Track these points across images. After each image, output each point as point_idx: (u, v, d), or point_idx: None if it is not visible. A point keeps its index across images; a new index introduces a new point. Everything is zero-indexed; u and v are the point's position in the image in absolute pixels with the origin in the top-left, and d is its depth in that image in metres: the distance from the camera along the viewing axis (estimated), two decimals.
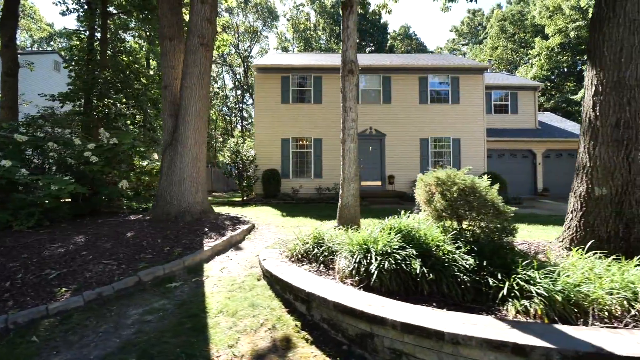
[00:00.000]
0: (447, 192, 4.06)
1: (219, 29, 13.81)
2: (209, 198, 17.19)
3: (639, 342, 2.15)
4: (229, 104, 40.53)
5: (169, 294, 3.96)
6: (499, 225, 4.05)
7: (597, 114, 4.08)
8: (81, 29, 14.95)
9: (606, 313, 2.85)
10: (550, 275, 3.06)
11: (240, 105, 39.03)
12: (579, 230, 4.14)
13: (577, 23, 21.79)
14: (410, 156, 15.42)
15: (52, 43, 33.12)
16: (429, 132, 15.52)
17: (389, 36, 41.55)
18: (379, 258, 3.51)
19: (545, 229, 7.73)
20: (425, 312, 2.70)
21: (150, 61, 20.00)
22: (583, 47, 21.44)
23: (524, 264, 3.26)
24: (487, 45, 34.86)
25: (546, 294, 2.85)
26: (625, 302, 2.91)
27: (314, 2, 34.00)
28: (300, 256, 4.46)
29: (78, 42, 13.68)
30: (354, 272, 3.61)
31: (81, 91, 11.53)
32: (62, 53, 17.74)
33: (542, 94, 28.27)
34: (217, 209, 10.85)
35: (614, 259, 3.63)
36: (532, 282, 3.01)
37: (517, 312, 2.91)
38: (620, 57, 3.92)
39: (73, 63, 12.71)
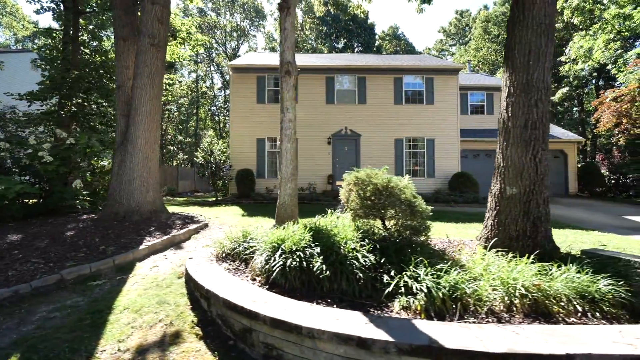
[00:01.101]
0: (361, 192, 4.14)
1: (193, 30, 13.82)
2: (186, 198, 17.21)
3: (478, 336, 2.24)
4: (217, 103, 40.51)
5: (87, 291, 4.01)
6: (414, 224, 4.14)
7: (509, 115, 4.19)
8: (57, 27, 14.91)
9: (485, 308, 2.94)
10: (438, 273, 3.15)
11: (229, 104, 39.01)
12: (493, 228, 4.25)
13: (557, 25, 21.98)
14: (385, 156, 15.53)
15: (36, 41, 32.91)
16: (403, 132, 15.64)
17: (377, 37, 41.73)
18: (283, 256, 3.59)
19: None
20: (301, 308, 2.77)
21: None
22: (563, 48, 21.74)
23: (417, 261, 3.34)
24: (471, 46, 35.14)
25: (426, 291, 2.95)
26: (505, 298, 3.01)
27: (300, 1, 34.05)
28: (225, 255, 4.53)
29: (50, 41, 13.64)
30: (263, 270, 3.68)
31: (50, 90, 11.51)
32: (39, 52, 17.62)
33: None
34: (185, 209, 10.88)
35: (513, 256, 3.74)
36: (418, 279, 3.10)
37: (402, 307, 3.00)
38: (528, 60, 4.03)
39: (44, 62, 12.66)
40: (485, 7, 38.70)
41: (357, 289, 3.33)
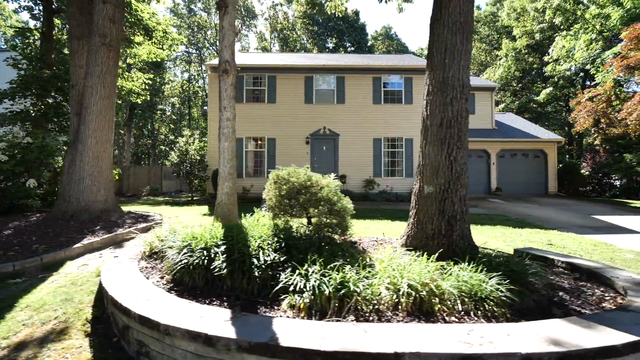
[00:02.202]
0: (277, 190, 4.13)
1: (171, 29, 13.83)
2: (166, 198, 17.19)
3: (324, 334, 2.23)
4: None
5: (3, 289, 4.00)
6: (332, 222, 4.14)
7: (428, 113, 4.18)
8: (36, 26, 14.90)
9: (370, 307, 2.94)
10: (329, 272, 3.13)
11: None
12: (413, 227, 4.24)
13: (542, 25, 22.05)
14: (364, 156, 15.52)
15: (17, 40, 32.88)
16: (382, 132, 15.63)
17: (369, 36, 41.69)
18: (188, 254, 3.58)
19: None
20: (178, 305, 2.77)
21: None
22: (548, 49, 21.73)
23: (314, 259, 3.33)
24: None
25: (312, 290, 2.94)
26: (394, 297, 3.00)
27: (290, 1, 34.05)
28: (151, 254, 4.52)
29: (27, 40, 13.64)
30: (170, 268, 3.68)
31: (21, 89, 11.50)
32: (14, 50, 17.59)
33: (512, 94, 28.58)
34: (151, 208, 10.88)
35: (419, 254, 3.73)
36: (308, 277, 3.09)
37: (290, 306, 2.99)
38: (444, 58, 4.02)
39: (19, 61, 12.65)
40: (478, 8, 38.70)
41: (255, 287, 3.33)
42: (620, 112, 12.27)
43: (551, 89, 23.04)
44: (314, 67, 15.77)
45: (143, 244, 4.98)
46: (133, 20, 12.06)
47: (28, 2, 14.84)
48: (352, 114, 15.64)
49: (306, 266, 3.23)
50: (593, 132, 14.66)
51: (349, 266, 3.24)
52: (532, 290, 3.25)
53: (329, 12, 14.32)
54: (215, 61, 16.68)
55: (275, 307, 3.02)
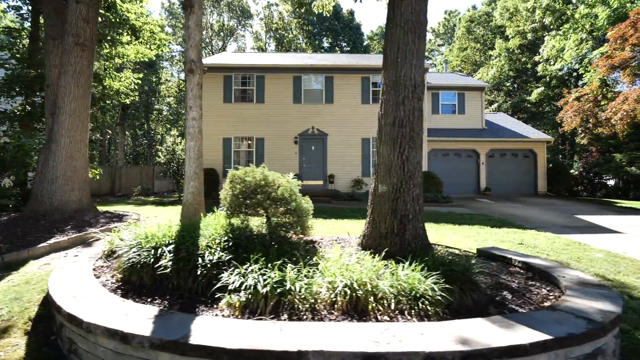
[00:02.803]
0: (231, 190, 4.15)
1: (157, 29, 13.83)
2: (155, 198, 17.20)
3: (238, 333, 2.24)
4: None
5: None
6: (285, 221, 4.15)
7: (382, 112, 4.20)
8: (23, 26, 14.93)
9: (307, 306, 2.94)
10: (267, 272, 3.13)
11: None
12: (369, 226, 4.26)
13: (533, 25, 22.02)
14: (352, 156, 15.53)
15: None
16: (370, 131, 15.60)
17: (365, 36, 41.65)
18: (137, 253, 3.60)
19: None
20: (110, 304, 2.78)
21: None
22: (540, 48, 21.72)
23: (256, 258, 3.34)
24: (454, 46, 35.11)
25: (249, 289, 2.95)
26: (332, 296, 3.01)
27: (286, 1, 34.06)
28: (109, 253, 4.53)
29: (14, 40, 13.66)
30: (120, 267, 3.69)
31: (6, 89, 11.54)
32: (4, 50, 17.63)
33: (506, 94, 28.55)
34: (133, 208, 10.89)
35: (373, 253, 3.74)
36: (246, 275, 3.10)
37: (228, 304, 3.00)
38: (397, 57, 4.02)
39: (1, 60, 12.69)
40: (474, 8, 38.68)
41: (200, 286, 3.34)
42: (605, 112, 12.25)
43: (543, 88, 23.01)
44: (303, 66, 15.78)
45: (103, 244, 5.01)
46: (119, 20, 12.05)
47: (16, 1, 14.91)
48: (341, 114, 15.64)
49: (247, 265, 3.24)
50: (580, 132, 14.63)
51: (290, 265, 3.25)
52: (473, 289, 3.25)
53: (317, 12, 14.33)
54: (204, 61, 16.71)
55: (215, 306, 3.03)
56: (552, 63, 18.20)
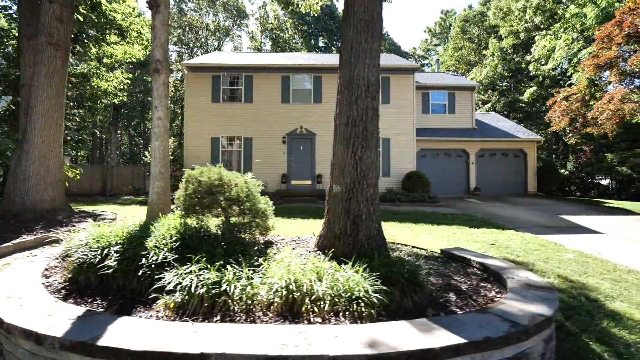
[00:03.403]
0: (185, 190, 4.12)
1: (144, 30, 13.79)
2: (144, 197, 17.17)
3: (148, 335, 2.22)
4: None
5: None
6: (239, 221, 4.13)
7: (337, 112, 4.17)
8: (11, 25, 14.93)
9: (243, 307, 2.92)
10: (203, 273, 3.10)
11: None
12: (325, 227, 4.23)
13: (526, 25, 21.92)
14: None
15: None
16: None
17: None
18: (84, 253, 3.58)
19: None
20: (43, 304, 2.75)
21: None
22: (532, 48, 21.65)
23: (197, 258, 3.31)
24: (449, 46, 35.03)
25: (182, 289, 2.93)
26: (270, 297, 2.98)
27: (273, 1, 33.93)
28: (65, 253, 4.51)
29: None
30: (69, 267, 3.68)
31: None
32: None
33: (500, 93, 28.45)
34: (119, 208, 10.88)
35: (325, 253, 3.71)
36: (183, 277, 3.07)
37: (165, 306, 2.98)
38: (350, 57, 4.00)
39: None
40: (470, 7, 38.59)
41: (143, 286, 3.32)
42: (591, 112, 12.19)
43: (535, 88, 22.95)
44: (291, 66, 15.75)
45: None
46: (104, 20, 12.03)
47: (5, 1, 14.89)
48: (330, 113, 15.48)
49: (188, 266, 3.21)
50: (568, 131, 14.58)
51: (233, 266, 3.23)
52: (416, 290, 3.22)
53: (304, 12, 14.30)
54: (193, 60, 16.72)
55: (154, 307, 3.01)
56: (543, 63, 18.13)
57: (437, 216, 10.12)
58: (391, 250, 4.91)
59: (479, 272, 4.14)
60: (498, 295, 3.30)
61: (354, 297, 2.89)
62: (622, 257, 6.32)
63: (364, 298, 2.89)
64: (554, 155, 24.10)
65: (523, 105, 26.20)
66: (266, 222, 4.74)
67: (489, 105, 27.85)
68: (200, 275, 3.06)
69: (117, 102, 16.57)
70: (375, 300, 2.84)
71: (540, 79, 22.16)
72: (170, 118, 5.61)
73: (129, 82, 16.06)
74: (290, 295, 2.94)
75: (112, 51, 13.99)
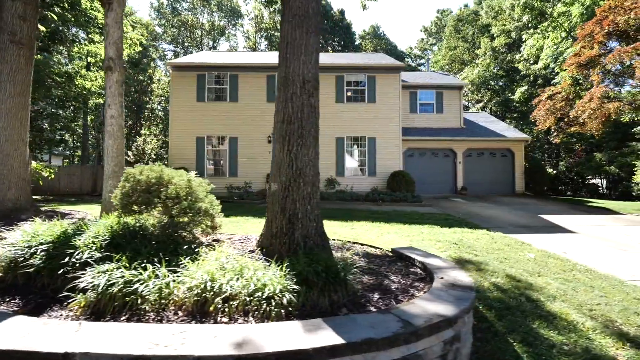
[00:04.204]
0: (121, 188, 4.09)
1: (127, 29, 13.82)
2: None
3: (25, 335, 2.18)
4: None
5: None
6: (177, 221, 4.09)
7: (276, 110, 4.11)
8: None
9: (157, 306, 2.88)
10: (116, 272, 3.06)
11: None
12: (265, 226, 4.18)
13: (517, 24, 21.77)
14: (327, 155, 15.43)
15: None
16: (345, 131, 15.54)
17: (357, 36, 41.52)
18: (13, 251, 3.54)
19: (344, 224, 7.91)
20: None
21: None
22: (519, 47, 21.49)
23: (117, 258, 3.27)
24: (443, 45, 34.90)
25: (94, 288, 2.89)
26: (183, 297, 2.93)
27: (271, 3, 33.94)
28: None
29: None
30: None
31: None
32: None
33: (493, 92, 28.29)
34: (99, 207, 10.85)
35: (262, 253, 3.67)
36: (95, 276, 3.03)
37: (79, 305, 2.94)
38: (286, 53, 3.95)
39: None
40: (466, 6, 38.42)
41: (65, 285, 3.28)
42: (572, 111, 12.08)
43: (526, 87, 22.81)
44: (276, 65, 15.66)
45: None
46: (84, 19, 12.06)
47: None
48: None
49: (107, 265, 3.17)
50: (553, 130, 14.46)
51: (153, 265, 3.19)
52: (337, 290, 3.17)
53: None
54: (177, 60, 16.71)
55: (68, 307, 2.97)
56: (532, 62, 18.01)
57: (414, 215, 10.05)
58: (339, 249, 4.86)
59: (419, 272, 4.08)
60: (418, 295, 3.25)
61: (264, 296, 2.85)
62: (587, 256, 6.25)
63: (276, 297, 2.85)
64: (546, 155, 23.95)
65: (517, 105, 26.06)
66: (213, 221, 4.71)
67: (481, 104, 27.72)
68: (113, 274, 3.02)
69: (103, 101, 16.56)
70: (284, 301, 2.80)
71: (532, 78, 22.01)
72: (124, 117, 5.57)
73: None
74: (204, 295, 2.90)
75: (96, 50, 14.03)
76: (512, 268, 5.07)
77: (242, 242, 4.64)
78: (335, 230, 7.03)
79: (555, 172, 18.11)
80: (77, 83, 14.04)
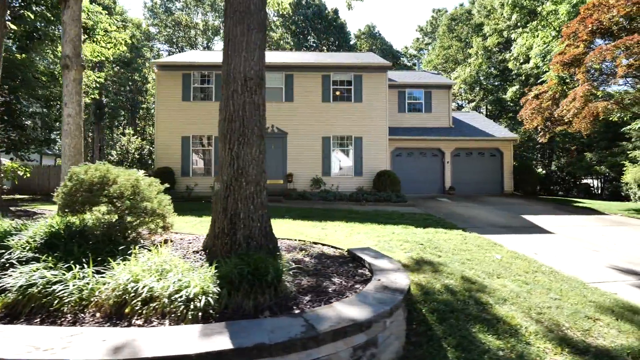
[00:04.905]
0: (64, 188, 4.01)
1: (112, 28, 13.74)
2: None
3: None
4: None
5: None
6: (116, 221, 4.01)
7: (219, 108, 4.03)
8: None
9: (78, 308, 2.83)
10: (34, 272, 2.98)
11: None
12: (210, 226, 4.10)
13: (508, 23, 21.62)
14: (313, 154, 15.35)
15: None
16: (331, 130, 15.45)
17: (352, 35, 41.40)
18: None
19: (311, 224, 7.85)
20: None
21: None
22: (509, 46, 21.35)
23: (43, 259, 3.20)
24: (436, 45, 34.74)
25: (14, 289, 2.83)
26: (104, 298, 2.86)
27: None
28: None
29: None
30: None
31: None
32: None
33: (486, 91, 28.13)
34: None
35: (206, 253, 3.58)
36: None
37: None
38: (228, 50, 3.87)
39: None
40: (462, 6, 38.23)
41: None
42: (557, 110, 11.96)
43: (518, 86, 22.67)
44: None
45: None
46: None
47: None
48: (301, 113, 15.47)
49: (29, 266, 3.10)
50: (539, 130, 14.34)
51: (79, 265, 3.12)
52: (264, 292, 3.08)
53: (272, 10, 14.16)
54: (163, 59, 16.64)
55: None
56: (522, 61, 17.88)
57: (393, 216, 9.94)
58: (294, 250, 4.77)
59: (366, 273, 3.99)
60: (345, 298, 3.16)
61: (182, 298, 2.77)
62: (557, 258, 6.16)
63: (196, 300, 2.77)
64: (539, 155, 23.82)
65: (511, 104, 25.91)
66: (165, 220, 4.63)
67: (474, 104, 27.58)
68: (33, 275, 2.95)
69: (97, 98, 16.51)
70: (200, 304, 2.72)
71: (523, 77, 21.86)
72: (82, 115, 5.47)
73: (101, 79, 16.01)
74: (124, 297, 2.83)
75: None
76: (472, 270, 4.96)
77: (190, 243, 4.56)
78: (304, 231, 6.94)
79: (545, 172, 17.98)
80: (61, 82, 13.96)
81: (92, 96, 15.88)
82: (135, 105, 36.64)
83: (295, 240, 5.58)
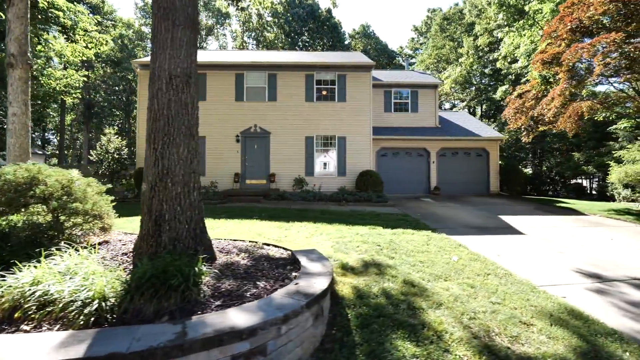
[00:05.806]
0: None
1: (92, 28, 13.65)
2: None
3: None
4: None
5: None
6: (39, 222, 3.91)
7: (147, 108, 3.93)
8: None
9: None
10: None
11: None
12: (140, 227, 4.00)
13: (497, 22, 21.48)
14: (296, 154, 15.26)
15: None
16: (314, 130, 15.35)
17: (347, 35, 41.27)
18: None
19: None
20: None
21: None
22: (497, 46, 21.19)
23: None
24: (429, 44, 34.61)
25: None
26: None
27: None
28: None
29: None
30: None
31: None
32: None
33: (477, 91, 27.99)
34: None
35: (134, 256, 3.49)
36: None
37: None
38: (154, 47, 3.77)
39: None
40: (456, 5, 38.05)
41: None
42: (536, 109, 11.83)
43: (507, 86, 22.51)
44: (245, 64, 15.53)
45: None
46: (43, 18, 11.91)
47: None
48: (284, 112, 15.37)
49: None
50: (522, 129, 14.20)
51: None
52: (171, 296, 2.98)
53: (254, 8, 14.06)
54: (145, 58, 16.53)
55: None
56: (509, 61, 17.76)
57: (366, 216, 9.84)
58: (234, 252, 4.68)
59: (292, 277, 3.90)
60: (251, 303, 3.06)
61: (78, 302, 2.68)
62: (517, 259, 6.05)
63: (93, 304, 2.69)
64: (530, 154, 23.66)
65: (504, 104, 25.69)
66: (103, 222, 4.55)
67: (464, 103, 27.42)
68: None
69: (84, 97, 16.45)
70: (90, 310, 2.62)
71: (513, 77, 21.72)
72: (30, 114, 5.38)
73: (85, 79, 15.93)
74: (20, 300, 2.74)
75: (60, 50, 13.88)
76: (420, 272, 4.85)
77: (124, 244, 4.46)
78: (265, 232, 6.84)
79: (533, 172, 17.83)
80: (42, 82, 13.91)
81: (75, 96, 15.80)
82: (129, 105, 36.63)
83: (247, 241, 5.48)
